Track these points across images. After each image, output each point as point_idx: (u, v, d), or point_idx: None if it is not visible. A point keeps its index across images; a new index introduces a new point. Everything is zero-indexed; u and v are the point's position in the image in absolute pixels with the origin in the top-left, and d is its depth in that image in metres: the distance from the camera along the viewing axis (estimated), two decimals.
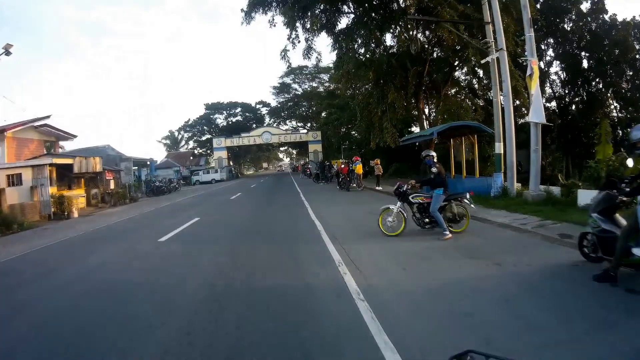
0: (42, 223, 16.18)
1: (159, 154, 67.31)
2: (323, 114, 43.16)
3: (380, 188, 19.42)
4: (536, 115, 10.80)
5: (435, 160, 7.69)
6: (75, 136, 28.23)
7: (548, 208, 8.97)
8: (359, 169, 19.63)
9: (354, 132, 34.44)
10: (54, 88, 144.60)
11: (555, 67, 28.36)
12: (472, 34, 15.87)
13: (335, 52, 19.28)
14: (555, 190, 10.82)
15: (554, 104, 28.84)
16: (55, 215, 18.00)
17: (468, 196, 7.71)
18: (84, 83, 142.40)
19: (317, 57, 19.29)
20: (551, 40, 27.39)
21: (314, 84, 57.57)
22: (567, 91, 28.78)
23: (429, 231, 7.46)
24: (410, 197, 7.55)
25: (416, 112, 23.95)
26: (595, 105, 25.90)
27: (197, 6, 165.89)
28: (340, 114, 29.48)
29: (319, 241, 7.38)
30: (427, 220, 7.50)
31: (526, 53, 11.71)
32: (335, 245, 6.87)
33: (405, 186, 7.68)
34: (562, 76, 28.55)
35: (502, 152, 13.03)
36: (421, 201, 7.54)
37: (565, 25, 26.63)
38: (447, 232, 7.05)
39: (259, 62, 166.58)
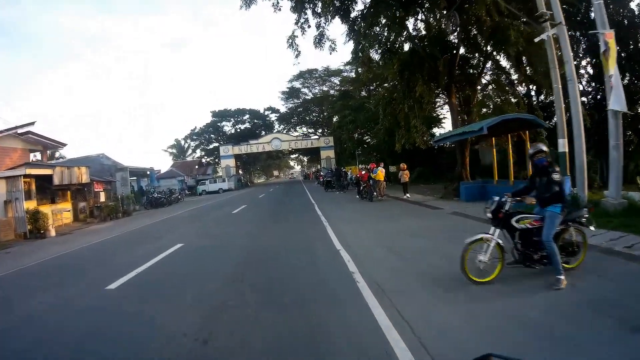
0: (16, 242, 14.19)
1: (165, 164, 65.42)
2: (335, 119, 40.09)
3: (408, 196, 16.35)
4: (617, 101, 8.75)
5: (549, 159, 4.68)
6: (64, 144, 25.86)
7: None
8: (380, 175, 16.61)
9: (367, 138, 31.68)
10: (57, 96, 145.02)
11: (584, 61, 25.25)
12: (514, 14, 12.92)
13: (351, 41, 16.35)
14: (636, 196, 8.91)
15: (583, 99, 25.61)
16: (31, 233, 15.61)
17: (587, 214, 4.71)
18: (85, 88, 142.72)
19: (330, 46, 16.34)
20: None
21: (325, 88, 54.94)
22: (597, 86, 25.45)
23: (526, 272, 4.62)
24: (514, 220, 4.52)
25: (441, 110, 20.93)
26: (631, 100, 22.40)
27: (199, 13, 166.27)
28: (355, 115, 26.58)
29: (355, 299, 4.33)
30: (536, 255, 4.52)
31: (597, 25, 9.12)
32: (387, 312, 3.84)
33: (508, 203, 4.60)
34: (590, 71, 25.32)
35: (566, 150, 10.21)
36: (530, 226, 4.50)
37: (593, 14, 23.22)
38: (562, 276, 4.24)
39: (267, 68, 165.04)
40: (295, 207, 16.76)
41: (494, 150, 14.19)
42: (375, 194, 16.72)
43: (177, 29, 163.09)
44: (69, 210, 20.52)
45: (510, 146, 13.47)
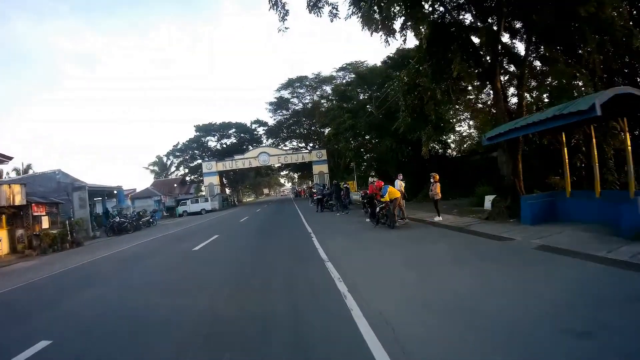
0: None
1: (147, 182, 59.32)
2: (327, 130, 35.74)
3: (439, 219, 12.05)
4: None
5: None
6: (9, 158, 21.03)
7: None
8: (394, 192, 12.10)
9: (365, 148, 27.69)
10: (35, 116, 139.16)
11: None
12: None
13: (357, 15, 12.15)
14: None
15: None
16: None
17: None
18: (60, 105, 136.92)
19: (331, 11, 12.00)
20: None
21: (316, 97, 50.97)
22: None
23: None
24: None
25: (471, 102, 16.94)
26: None
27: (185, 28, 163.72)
28: (355, 120, 22.43)
29: None
30: None
31: None
32: None
33: None
34: None
35: None
36: None
37: None
38: None
39: (254, 81, 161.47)
40: (283, 241, 12.23)
41: (565, 149, 10.03)
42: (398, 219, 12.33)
43: (161, 44, 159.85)
44: None
45: (594, 142, 9.38)
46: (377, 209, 12.60)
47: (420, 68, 12.29)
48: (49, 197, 21.09)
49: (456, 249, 7.65)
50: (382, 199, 12.23)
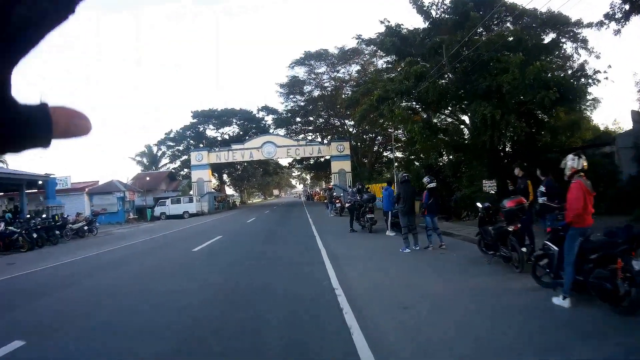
0: None
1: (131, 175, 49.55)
2: (359, 110, 24.89)
3: None
4: None
5: None
6: None
7: None
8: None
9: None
10: None
11: None
12: None
13: None
14: None
15: None
16: None
17: None
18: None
19: None
20: None
21: (337, 81, 40.74)
22: None
23: None
24: None
25: None
26: None
27: None
28: (424, 67, 12.23)
29: None
30: None
31: None
32: None
33: None
34: None
35: None
36: None
37: None
38: None
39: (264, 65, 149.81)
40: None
41: None
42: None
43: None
44: None
45: None
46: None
47: None
48: None
49: None
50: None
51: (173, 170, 50.82)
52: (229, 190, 65.01)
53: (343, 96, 38.47)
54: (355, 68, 39.18)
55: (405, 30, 14.49)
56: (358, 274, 6.59)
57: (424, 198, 8.23)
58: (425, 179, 8.34)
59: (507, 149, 13.97)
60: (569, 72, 13.94)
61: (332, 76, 40.38)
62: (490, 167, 13.46)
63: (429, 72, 12.17)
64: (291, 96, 44.39)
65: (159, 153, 53.75)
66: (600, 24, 12.72)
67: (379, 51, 27.94)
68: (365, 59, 37.32)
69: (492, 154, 13.30)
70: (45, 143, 0.37)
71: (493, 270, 6.17)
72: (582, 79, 12.30)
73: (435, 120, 14.74)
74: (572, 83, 11.85)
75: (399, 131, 24.11)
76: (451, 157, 17.13)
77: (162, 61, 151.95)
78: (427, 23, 14.24)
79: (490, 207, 6.84)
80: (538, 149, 13.38)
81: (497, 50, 12.44)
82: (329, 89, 41.92)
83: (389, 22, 14.03)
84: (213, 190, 43.49)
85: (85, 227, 18.30)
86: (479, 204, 7.07)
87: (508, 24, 15.87)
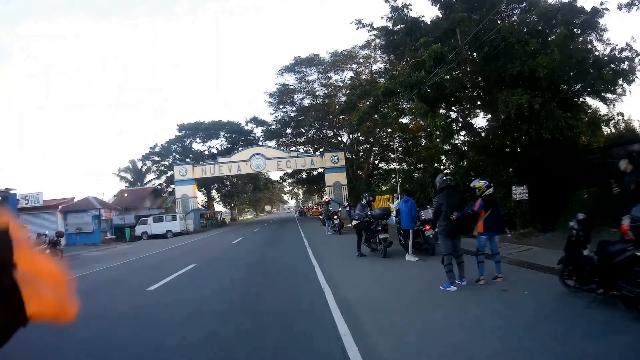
0: None
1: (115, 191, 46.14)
2: (362, 106, 22.12)
3: None
4: None
5: None
6: None
7: None
8: None
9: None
10: None
11: None
12: None
13: None
14: None
15: None
16: None
17: None
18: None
19: None
20: None
21: (329, 89, 38.60)
22: None
23: None
24: None
25: None
26: None
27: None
28: (442, 47, 10.09)
29: None
30: None
31: None
32: None
33: None
34: None
35: None
36: None
37: None
38: None
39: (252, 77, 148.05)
40: None
41: None
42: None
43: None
44: None
45: None
46: None
47: None
48: None
49: None
50: None
51: (158, 187, 47.95)
52: (218, 207, 62.29)
53: (336, 105, 36.33)
54: (348, 75, 37.23)
55: (413, 15, 12.38)
56: (391, 345, 3.87)
57: (476, 208, 5.83)
58: (477, 182, 5.88)
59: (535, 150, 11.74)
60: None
61: (324, 83, 38.23)
62: (519, 170, 11.22)
63: (447, 54, 9.96)
64: (281, 106, 42.07)
65: (144, 168, 51.00)
66: (630, 4, 10.70)
67: (378, 50, 26.00)
68: (360, 61, 35.29)
69: (524, 155, 11.04)
70: None
71: (606, 319, 3.77)
72: (635, 59, 10.14)
73: (453, 115, 12.45)
74: (622, 60, 9.73)
75: (397, 140, 21.91)
76: (463, 162, 14.77)
77: (146, 74, 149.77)
78: (437, 5, 12.06)
79: (586, 221, 4.48)
80: (577, 148, 11.17)
81: (523, 34, 10.33)
82: (321, 97, 39.76)
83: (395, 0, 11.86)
84: (199, 207, 40.74)
85: (47, 251, 15.56)
86: (576, 218, 4.63)
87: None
